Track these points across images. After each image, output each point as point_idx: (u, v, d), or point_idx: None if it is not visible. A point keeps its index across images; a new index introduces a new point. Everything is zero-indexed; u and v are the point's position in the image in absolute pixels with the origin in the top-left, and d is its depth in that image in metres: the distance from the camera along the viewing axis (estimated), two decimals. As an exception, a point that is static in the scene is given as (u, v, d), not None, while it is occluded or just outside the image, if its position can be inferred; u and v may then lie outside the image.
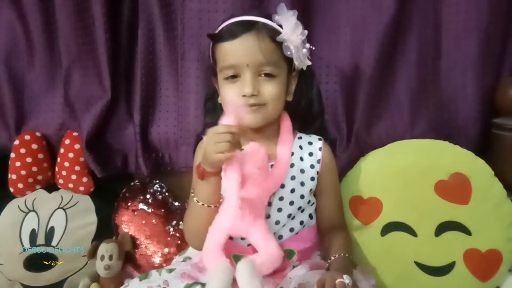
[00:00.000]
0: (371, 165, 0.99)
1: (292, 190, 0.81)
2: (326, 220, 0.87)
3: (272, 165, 0.80)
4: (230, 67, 0.76)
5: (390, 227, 0.96)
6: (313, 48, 0.79)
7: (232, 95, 0.76)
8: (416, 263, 0.95)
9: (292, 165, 0.82)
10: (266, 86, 0.76)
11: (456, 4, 1.07)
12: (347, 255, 0.78)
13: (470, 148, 0.98)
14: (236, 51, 0.75)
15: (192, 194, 0.77)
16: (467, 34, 1.07)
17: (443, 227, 0.94)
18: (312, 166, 0.84)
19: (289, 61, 0.79)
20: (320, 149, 0.85)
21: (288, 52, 0.76)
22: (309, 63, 0.81)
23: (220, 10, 1.04)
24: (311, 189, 0.83)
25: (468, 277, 0.93)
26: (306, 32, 0.77)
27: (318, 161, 0.84)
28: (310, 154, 0.84)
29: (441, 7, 1.08)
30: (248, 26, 0.76)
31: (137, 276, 0.82)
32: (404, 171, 0.97)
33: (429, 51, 1.10)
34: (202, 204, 0.75)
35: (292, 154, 0.83)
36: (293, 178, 0.81)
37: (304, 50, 0.78)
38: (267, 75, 0.76)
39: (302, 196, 0.82)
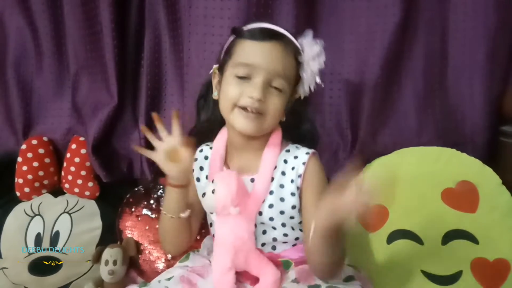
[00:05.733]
0: (377, 173, 0.98)
1: (271, 206, 0.78)
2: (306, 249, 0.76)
3: (252, 180, 0.79)
4: (246, 65, 0.75)
5: (396, 235, 0.95)
6: (323, 85, 0.81)
7: (237, 93, 0.75)
8: (423, 271, 0.93)
9: (271, 179, 0.79)
10: (272, 97, 0.76)
11: (463, 11, 1.06)
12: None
13: (477, 156, 0.97)
14: (260, 53, 0.75)
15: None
16: (474, 41, 1.06)
17: (450, 236, 0.93)
18: (292, 181, 0.78)
19: (295, 82, 0.80)
20: (303, 163, 0.78)
21: (304, 74, 0.77)
22: (307, 93, 0.82)
23: (225, 17, 1.05)
24: (293, 205, 0.78)
25: (475, 287, 0.91)
26: (324, 64, 0.78)
27: (299, 176, 0.78)
28: (293, 168, 0.79)
29: (448, 14, 1.08)
30: (277, 35, 0.77)
31: (137, 285, 0.79)
32: (411, 178, 0.96)
33: (436, 58, 1.09)
34: (165, 214, 0.83)
35: (275, 168, 0.80)
36: (271, 192, 0.78)
37: (317, 79, 0.79)
38: (276, 88, 0.76)
39: (282, 212, 0.78)
